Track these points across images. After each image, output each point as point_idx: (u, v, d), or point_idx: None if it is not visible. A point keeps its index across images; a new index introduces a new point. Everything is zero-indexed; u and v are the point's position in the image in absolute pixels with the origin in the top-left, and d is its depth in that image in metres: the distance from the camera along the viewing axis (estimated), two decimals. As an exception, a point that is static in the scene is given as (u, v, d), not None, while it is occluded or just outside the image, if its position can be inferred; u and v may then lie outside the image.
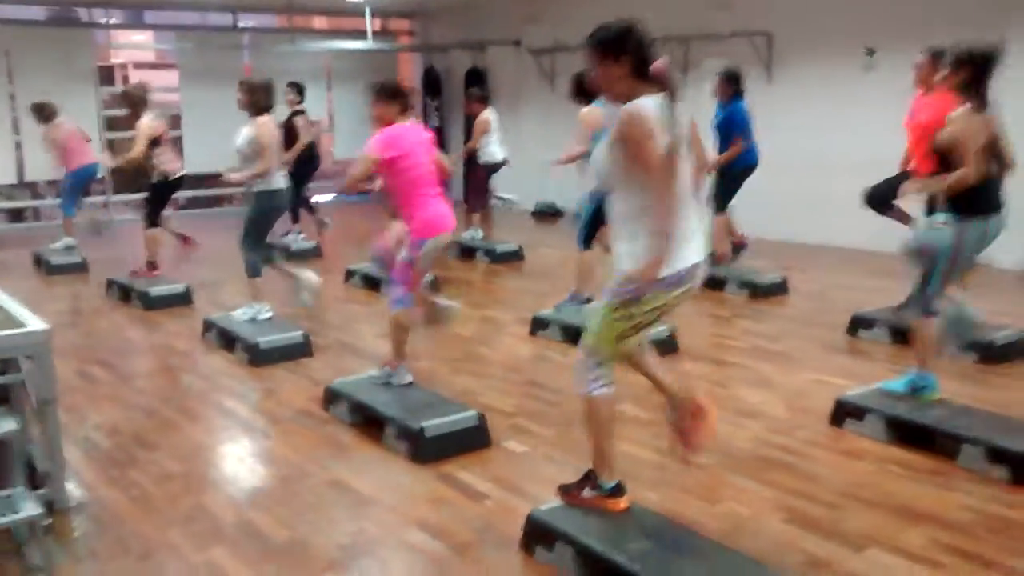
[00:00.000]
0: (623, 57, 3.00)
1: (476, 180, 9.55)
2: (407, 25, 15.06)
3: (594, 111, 5.75)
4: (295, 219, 9.66)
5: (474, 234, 9.33)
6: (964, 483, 3.73)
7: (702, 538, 3.12)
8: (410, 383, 4.74)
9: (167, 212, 7.91)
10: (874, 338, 5.77)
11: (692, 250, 3.02)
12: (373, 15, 12.83)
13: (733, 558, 2.97)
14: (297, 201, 9.36)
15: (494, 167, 9.28)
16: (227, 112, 12.15)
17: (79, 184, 9.30)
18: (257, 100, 6.06)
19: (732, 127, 7.21)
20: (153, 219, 7.81)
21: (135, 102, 7.50)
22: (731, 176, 7.24)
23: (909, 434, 4.11)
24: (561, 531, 3.13)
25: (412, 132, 4.66)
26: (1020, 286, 7.06)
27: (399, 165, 4.51)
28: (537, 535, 3.22)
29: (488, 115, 9.15)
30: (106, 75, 21.00)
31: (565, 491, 3.34)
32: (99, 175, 9.90)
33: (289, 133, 8.87)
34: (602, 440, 3.26)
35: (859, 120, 8.74)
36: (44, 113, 9.16)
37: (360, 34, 12.96)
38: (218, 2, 12.41)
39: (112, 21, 14.08)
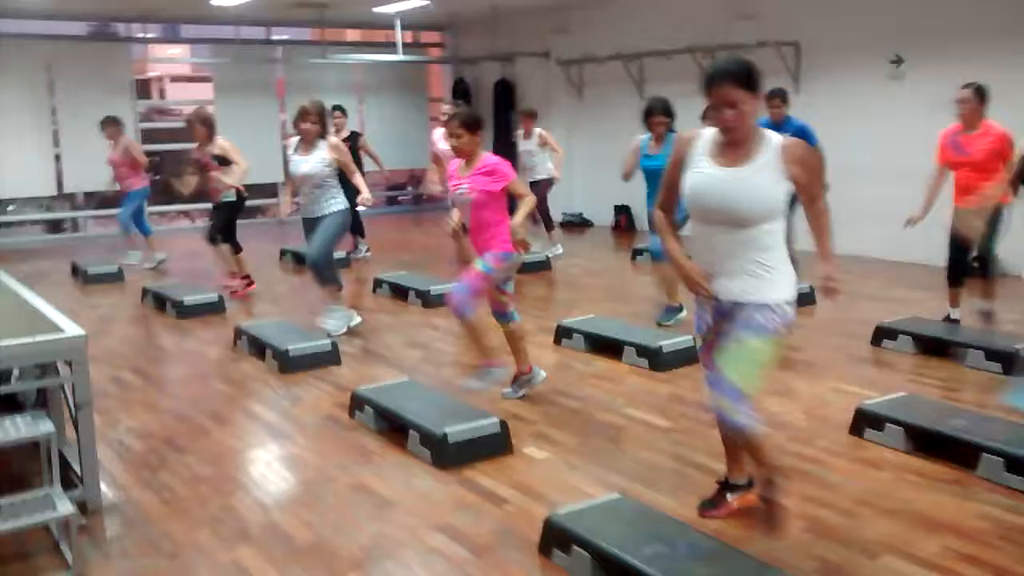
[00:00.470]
0: (758, 91, 3.09)
1: (539, 195, 9.74)
2: (437, 37, 15.24)
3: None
4: (362, 233, 10.07)
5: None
6: (982, 492, 3.74)
7: (717, 542, 3.16)
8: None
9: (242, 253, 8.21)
10: (897, 348, 5.77)
11: None
12: (404, 28, 13.00)
13: (747, 562, 3.01)
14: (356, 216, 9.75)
15: (551, 182, 9.59)
16: (261, 123, 12.49)
17: (142, 201, 9.72)
18: (326, 124, 6.45)
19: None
20: (230, 236, 8.04)
21: (212, 124, 7.87)
22: None
23: (928, 443, 4.12)
24: (578, 535, 3.18)
25: None
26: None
27: None
28: (554, 539, 3.28)
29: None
30: (143, 88, 21.45)
31: (707, 506, 3.55)
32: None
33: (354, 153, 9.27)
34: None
35: (887, 129, 8.73)
36: (120, 126, 9.48)
37: (391, 46, 13.15)
38: (252, 16, 12.64)
39: (149, 35, 14.36)
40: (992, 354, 5.29)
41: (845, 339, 6.11)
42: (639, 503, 3.52)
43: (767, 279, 3.11)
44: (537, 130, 9.55)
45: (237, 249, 8.13)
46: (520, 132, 9.78)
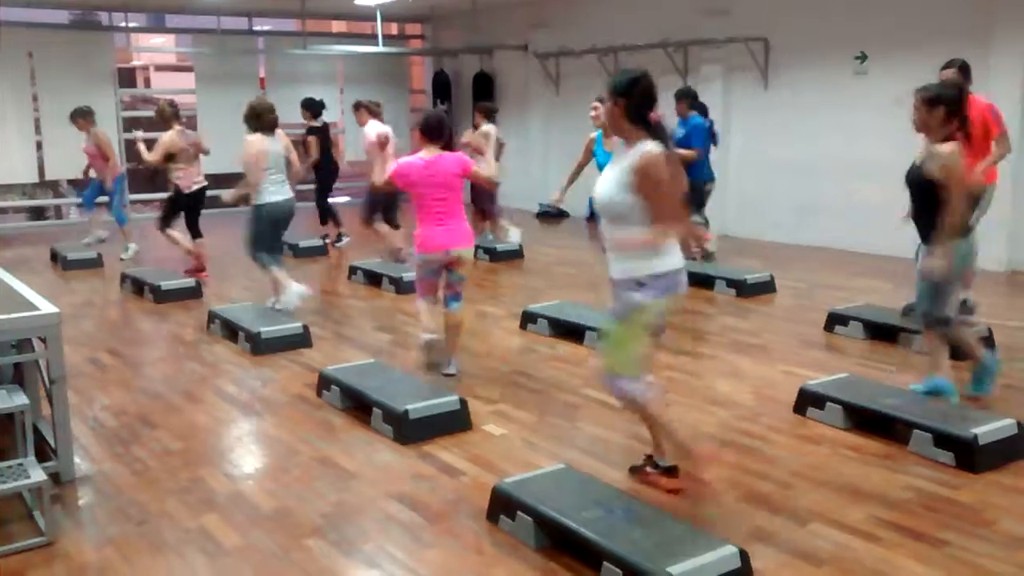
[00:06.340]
0: (618, 98, 3.42)
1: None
2: (419, 29, 15.38)
3: None
4: (323, 221, 10.26)
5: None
6: (912, 466, 3.96)
7: (653, 508, 3.36)
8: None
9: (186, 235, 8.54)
10: (848, 334, 5.99)
11: (677, 257, 3.54)
12: (385, 19, 13.13)
13: (679, 526, 3.20)
14: (325, 207, 10.20)
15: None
16: (241, 114, 12.58)
17: (121, 186, 10.05)
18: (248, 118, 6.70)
19: (691, 143, 7.73)
20: (166, 224, 8.38)
21: (166, 118, 8.30)
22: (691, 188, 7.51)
23: (866, 421, 4.34)
24: (522, 501, 3.38)
25: None
26: (1007, 287, 7.26)
27: None
28: (501, 506, 3.48)
29: None
30: (128, 77, 21.48)
31: (633, 471, 3.90)
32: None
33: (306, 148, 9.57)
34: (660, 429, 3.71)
35: (850, 124, 8.95)
36: (88, 117, 9.54)
37: (373, 38, 13.28)
38: (234, 6, 12.73)
39: (132, 25, 14.44)
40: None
41: (800, 326, 6.33)
42: (582, 473, 3.72)
43: (624, 265, 3.51)
44: (485, 127, 9.17)
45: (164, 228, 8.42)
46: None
